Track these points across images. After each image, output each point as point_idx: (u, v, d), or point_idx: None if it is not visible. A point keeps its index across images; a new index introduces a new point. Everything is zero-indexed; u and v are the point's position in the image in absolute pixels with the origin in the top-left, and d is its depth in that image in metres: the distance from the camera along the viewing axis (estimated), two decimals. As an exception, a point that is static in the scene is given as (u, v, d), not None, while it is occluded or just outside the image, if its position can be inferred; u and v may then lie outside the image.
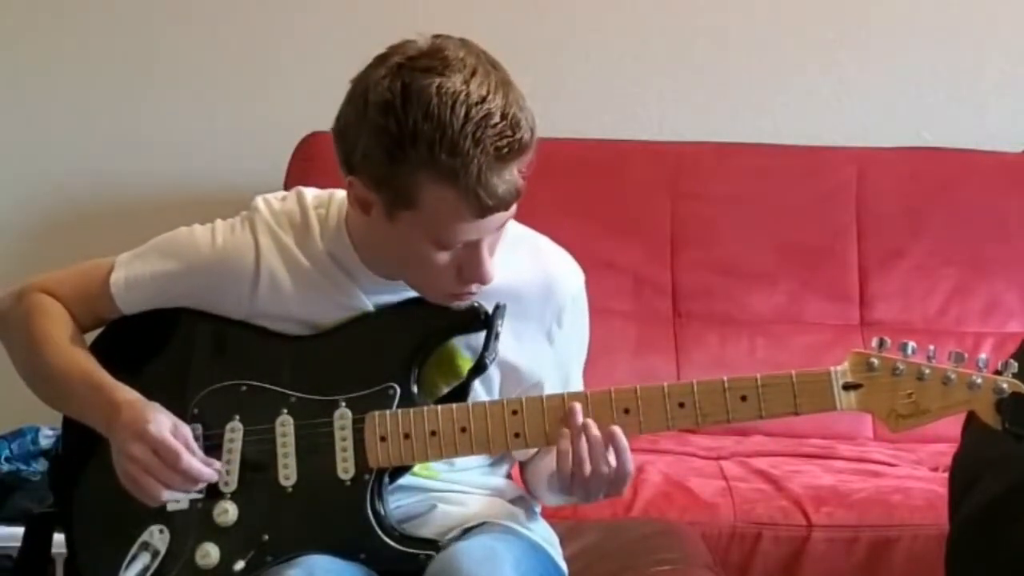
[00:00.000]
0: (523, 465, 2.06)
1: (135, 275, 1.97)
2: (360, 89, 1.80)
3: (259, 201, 1.99)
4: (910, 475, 3.00)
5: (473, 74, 1.76)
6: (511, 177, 1.78)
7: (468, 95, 1.74)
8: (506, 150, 1.75)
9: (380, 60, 1.81)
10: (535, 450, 2.00)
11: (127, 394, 1.89)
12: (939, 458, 2.98)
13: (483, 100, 1.75)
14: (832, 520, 2.83)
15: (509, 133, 1.75)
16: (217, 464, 1.89)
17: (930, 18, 3.71)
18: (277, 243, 1.94)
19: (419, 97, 1.74)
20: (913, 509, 2.83)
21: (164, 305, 1.97)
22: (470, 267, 1.84)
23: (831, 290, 3.46)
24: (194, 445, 1.88)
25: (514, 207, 1.82)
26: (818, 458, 3.10)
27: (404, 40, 1.82)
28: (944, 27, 3.71)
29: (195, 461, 1.86)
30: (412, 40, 1.81)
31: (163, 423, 1.86)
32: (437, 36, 1.82)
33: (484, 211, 1.78)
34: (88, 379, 1.92)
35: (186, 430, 1.88)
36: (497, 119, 1.75)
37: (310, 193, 1.99)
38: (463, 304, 1.89)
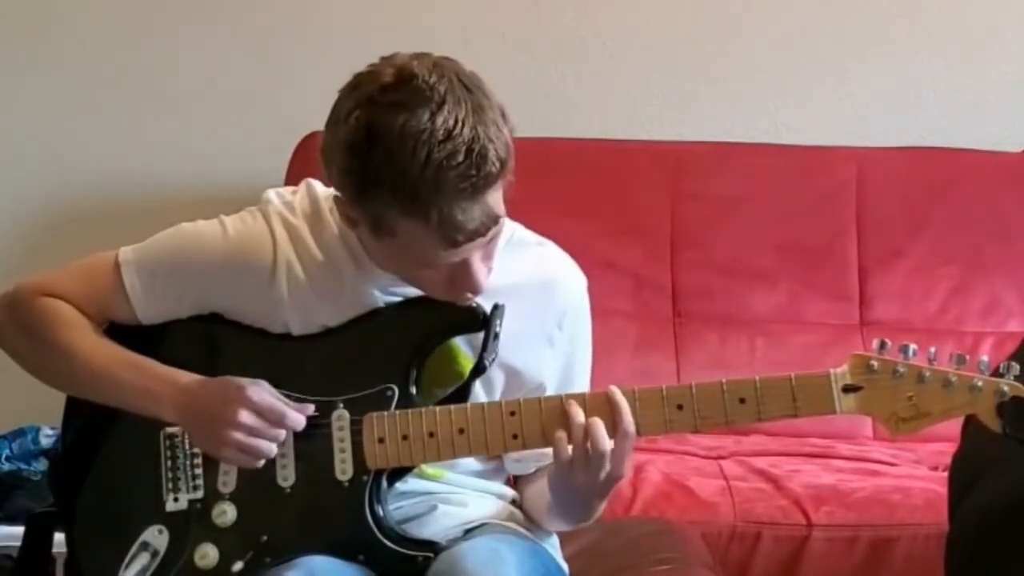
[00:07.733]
0: (521, 490, 2.04)
1: (149, 275, 1.92)
2: (333, 118, 1.78)
3: (271, 193, 1.96)
4: (910, 474, 3.00)
5: (441, 105, 1.72)
6: (482, 209, 1.75)
7: (432, 133, 1.70)
8: (471, 189, 1.72)
9: (353, 87, 1.77)
10: (532, 469, 2.01)
11: (185, 376, 1.88)
12: (939, 457, 2.97)
13: (448, 136, 1.71)
14: (832, 519, 2.83)
15: (473, 172, 1.71)
16: (310, 408, 1.87)
17: (930, 18, 3.71)
18: (292, 233, 1.91)
19: (382, 139, 1.71)
20: (913, 508, 2.84)
21: (182, 308, 1.93)
22: (461, 279, 1.83)
23: (831, 290, 3.46)
24: (278, 395, 1.87)
25: (500, 224, 1.79)
26: (818, 457, 3.10)
27: (379, 63, 1.78)
28: (944, 27, 3.71)
29: (296, 414, 1.86)
30: (387, 64, 1.77)
31: (251, 385, 1.84)
32: (415, 56, 1.77)
33: (457, 243, 1.77)
34: (148, 370, 1.89)
35: (265, 383, 1.87)
36: (461, 157, 1.71)
37: (321, 186, 1.94)
38: (463, 303, 1.88)
